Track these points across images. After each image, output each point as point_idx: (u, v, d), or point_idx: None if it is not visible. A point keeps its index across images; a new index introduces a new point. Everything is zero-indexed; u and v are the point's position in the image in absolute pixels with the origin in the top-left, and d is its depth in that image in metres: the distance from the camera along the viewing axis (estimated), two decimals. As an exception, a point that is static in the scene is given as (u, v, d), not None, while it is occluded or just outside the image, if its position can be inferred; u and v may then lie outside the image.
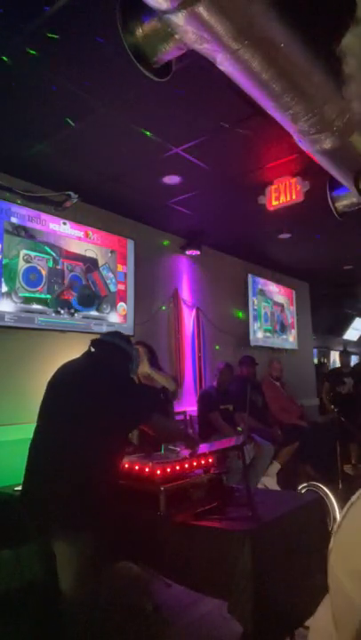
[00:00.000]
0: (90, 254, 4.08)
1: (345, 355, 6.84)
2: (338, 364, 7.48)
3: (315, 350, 9.33)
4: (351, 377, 6.38)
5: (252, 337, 6.06)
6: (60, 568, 1.83)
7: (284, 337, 6.92)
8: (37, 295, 3.62)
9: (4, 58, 2.32)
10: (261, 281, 6.48)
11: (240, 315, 6.08)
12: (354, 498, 0.50)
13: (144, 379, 3.50)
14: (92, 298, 4.01)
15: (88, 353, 2.19)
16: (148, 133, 2.86)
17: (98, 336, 2.29)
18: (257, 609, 1.65)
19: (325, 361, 10.98)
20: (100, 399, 2.00)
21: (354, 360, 8.38)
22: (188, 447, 2.30)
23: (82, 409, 1.98)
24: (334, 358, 11.03)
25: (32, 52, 2.29)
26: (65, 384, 2.09)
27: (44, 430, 2.01)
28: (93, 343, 2.21)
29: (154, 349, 3.65)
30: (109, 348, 2.18)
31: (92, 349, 2.19)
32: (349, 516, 0.49)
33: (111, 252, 4.28)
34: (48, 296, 3.69)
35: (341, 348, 10.82)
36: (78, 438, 1.94)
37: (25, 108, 2.76)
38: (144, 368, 3.49)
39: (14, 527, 2.32)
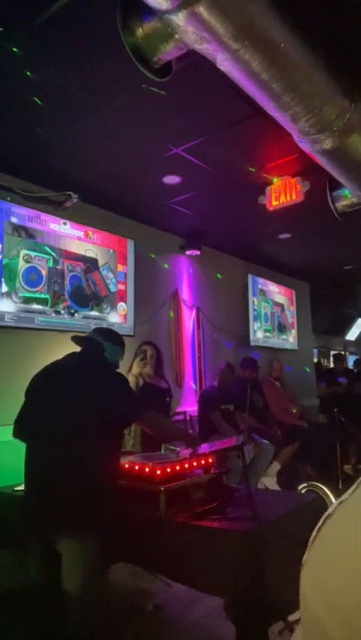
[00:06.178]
0: (90, 254, 4.08)
1: (337, 356, 7.10)
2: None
3: (315, 350, 9.33)
4: (345, 376, 6.43)
5: (252, 337, 6.06)
6: (66, 568, 1.84)
7: (284, 337, 6.92)
8: (37, 295, 3.62)
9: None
10: (261, 281, 6.47)
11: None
12: (331, 509, 0.45)
13: (148, 377, 3.50)
14: (86, 297, 4.00)
15: (70, 354, 2.23)
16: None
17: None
18: (253, 609, 1.64)
19: (326, 362, 11.00)
20: (89, 399, 2.01)
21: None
22: (189, 446, 2.30)
23: (75, 410, 1.99)
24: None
25: (32, 51, 2.29)
26: (55, 386, 2.09)
27: (42, 433, 2.01)
28: (75, 340, 2.26)
29: (160, 351, 3.67)
30: (87, 346, 2.23)
31: (76, 351, 2.24)
32: (325, 530, 0.44)
33: (111, 252, 4.28)
34: (48, 296, 3.69)
35: (342, 349, 10.83)
36: (79, 439, 1.94)
37: (25, 107, 2.76)
38: (149, 368, 3.49)
39: (15, 527, 2.33)
